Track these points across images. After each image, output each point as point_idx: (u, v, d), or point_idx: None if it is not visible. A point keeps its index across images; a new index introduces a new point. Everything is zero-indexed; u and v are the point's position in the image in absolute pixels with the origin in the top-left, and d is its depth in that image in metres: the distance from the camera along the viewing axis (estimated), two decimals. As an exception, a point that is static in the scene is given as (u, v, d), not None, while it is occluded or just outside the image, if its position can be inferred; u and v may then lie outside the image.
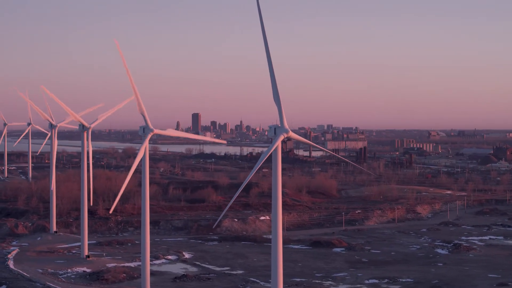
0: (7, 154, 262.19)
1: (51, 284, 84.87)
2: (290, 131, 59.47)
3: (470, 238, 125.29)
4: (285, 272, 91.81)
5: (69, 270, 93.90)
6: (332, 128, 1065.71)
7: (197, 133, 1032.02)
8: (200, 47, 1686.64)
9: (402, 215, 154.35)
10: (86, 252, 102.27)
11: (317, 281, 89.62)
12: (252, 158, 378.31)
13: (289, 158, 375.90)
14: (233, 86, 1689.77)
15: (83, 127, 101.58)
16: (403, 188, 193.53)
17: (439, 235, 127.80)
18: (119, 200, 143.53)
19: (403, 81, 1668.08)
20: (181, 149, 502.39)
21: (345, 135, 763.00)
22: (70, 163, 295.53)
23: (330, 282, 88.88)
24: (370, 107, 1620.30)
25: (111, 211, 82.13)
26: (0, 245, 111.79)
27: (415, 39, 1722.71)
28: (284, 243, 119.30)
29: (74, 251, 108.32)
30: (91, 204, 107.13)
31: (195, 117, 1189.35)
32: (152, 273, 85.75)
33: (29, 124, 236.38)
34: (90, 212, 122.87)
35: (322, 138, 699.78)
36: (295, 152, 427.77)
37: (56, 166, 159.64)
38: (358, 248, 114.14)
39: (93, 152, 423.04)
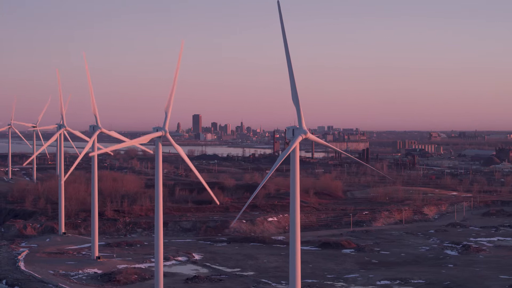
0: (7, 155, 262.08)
1: (63, 286, 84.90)
2: (309, 133, 59.58)
3: (478, 239, 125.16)
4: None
5: (80, 272, 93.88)
6: (332, 130, 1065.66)
7: (198, 135, 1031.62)
8: (200, 48, 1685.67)
9: (409, 216, 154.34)
10: (96, 254, 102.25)
11: (328, 282, 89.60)
12: (255, 160, 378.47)
13: (291, 159, 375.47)
14: (234, 88, 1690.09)
15: (93, 128, 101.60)
16: (408, 189, 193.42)
17: (447, 236, 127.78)
18: (127, 202, 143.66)
19: (403, 82, 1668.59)
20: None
21: (346, 136, 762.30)
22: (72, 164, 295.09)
23: (342, 284, 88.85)
24: (370, 108, 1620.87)
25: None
26: (10, 247, 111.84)
27: (415, 40, 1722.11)
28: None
29: (84, 252, 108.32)
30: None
31: (196, 118, 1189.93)
32: (164, 275, 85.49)
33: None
34: (98, 213, 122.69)
35: (323, 140, 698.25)
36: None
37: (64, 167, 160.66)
38: (368, 249, 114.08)
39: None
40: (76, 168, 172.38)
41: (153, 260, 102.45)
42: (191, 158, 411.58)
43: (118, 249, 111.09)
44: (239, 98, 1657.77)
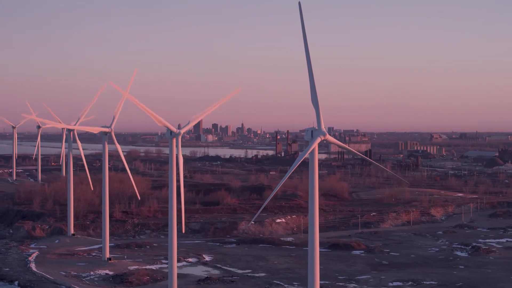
0: (11, 156, 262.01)
1: (76, 287, 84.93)
2: (327, 134, 59.47)
3: (487, 240, 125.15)
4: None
5: (91, 273, 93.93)
6: (333, 131, 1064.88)
7: (199, 136, 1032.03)
8: (200, 48, 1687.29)
9: (417, 217, 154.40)
10: (107, 255, 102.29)
11: (340, 283, 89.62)
12: (258, 161, 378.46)
13: (294, 160, 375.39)
14: (234, 89, 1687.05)
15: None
16: (414, 191, 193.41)
17: (456, 238, 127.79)
18: (135, 203, 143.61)
19: (403, 82, 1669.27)
20: (184, 151, 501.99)
21: (347, 138, 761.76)
22: (76, 165, 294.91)
23: (354, 285, 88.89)
24: (370, 109, 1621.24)
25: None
26: (19, 248, 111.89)
27: (415, 40, 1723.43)
28: (302, 245, 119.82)
29: (94, 254, 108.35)
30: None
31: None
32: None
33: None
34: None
35: (325, 141, 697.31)
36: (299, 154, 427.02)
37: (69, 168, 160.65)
38: (377, 250, 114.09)
39: (97, 155, 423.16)
40: (81, 170, 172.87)
41: (163, 261, 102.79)
42: (194, 159, 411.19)
43: (128, 251, 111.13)
44: (240, 99, 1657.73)
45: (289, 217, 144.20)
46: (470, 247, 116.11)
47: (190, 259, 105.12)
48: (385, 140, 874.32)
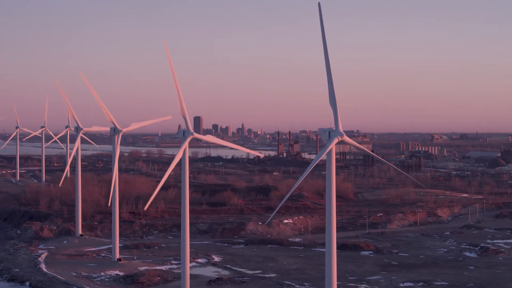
0: (13, 157, 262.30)
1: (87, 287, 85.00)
2: (345, 135, 59.60)
3: (495, 241, 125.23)
4: (319, 276, 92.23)
5: (102, 274, 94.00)
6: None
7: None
8: (200, 48, 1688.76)
9: (423, 218, 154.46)
10: (117, 255, 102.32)
11: (351, 284, 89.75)
12: (260, 161, 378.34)
13: (297, 161, 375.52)
14: (235, 89, 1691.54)
15: (114, 130, 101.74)
16: (419, 191, 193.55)
17: (464, 238, 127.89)
18: (142, 204, 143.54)
19: (403, 83, 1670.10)
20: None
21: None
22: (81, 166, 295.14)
23: (365, 286, 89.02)
24: (370, 110, 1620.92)
25: (145, 208, 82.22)
26: (28, 248, 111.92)
27: (415, 41, 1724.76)
28: (311, 246, 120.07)
29: (103, 254, 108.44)
30: (109, 205, 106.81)
31: (197, 120, 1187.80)
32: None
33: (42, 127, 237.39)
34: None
35: (325, 142, 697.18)
36: (302, 155, 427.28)
37: (73, 169, 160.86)
38: (386, 251, 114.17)
39: (99, 155, 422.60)
40: (84, 170, 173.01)
41: (173, 262, 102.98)
42: (195, 160, 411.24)
43: (136, 251, 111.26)
44: (240, 99, 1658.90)
45: (296, 217, 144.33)
46: (479, 247, 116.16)
47: (199, 260, 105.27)
48: (385, 141, 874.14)
